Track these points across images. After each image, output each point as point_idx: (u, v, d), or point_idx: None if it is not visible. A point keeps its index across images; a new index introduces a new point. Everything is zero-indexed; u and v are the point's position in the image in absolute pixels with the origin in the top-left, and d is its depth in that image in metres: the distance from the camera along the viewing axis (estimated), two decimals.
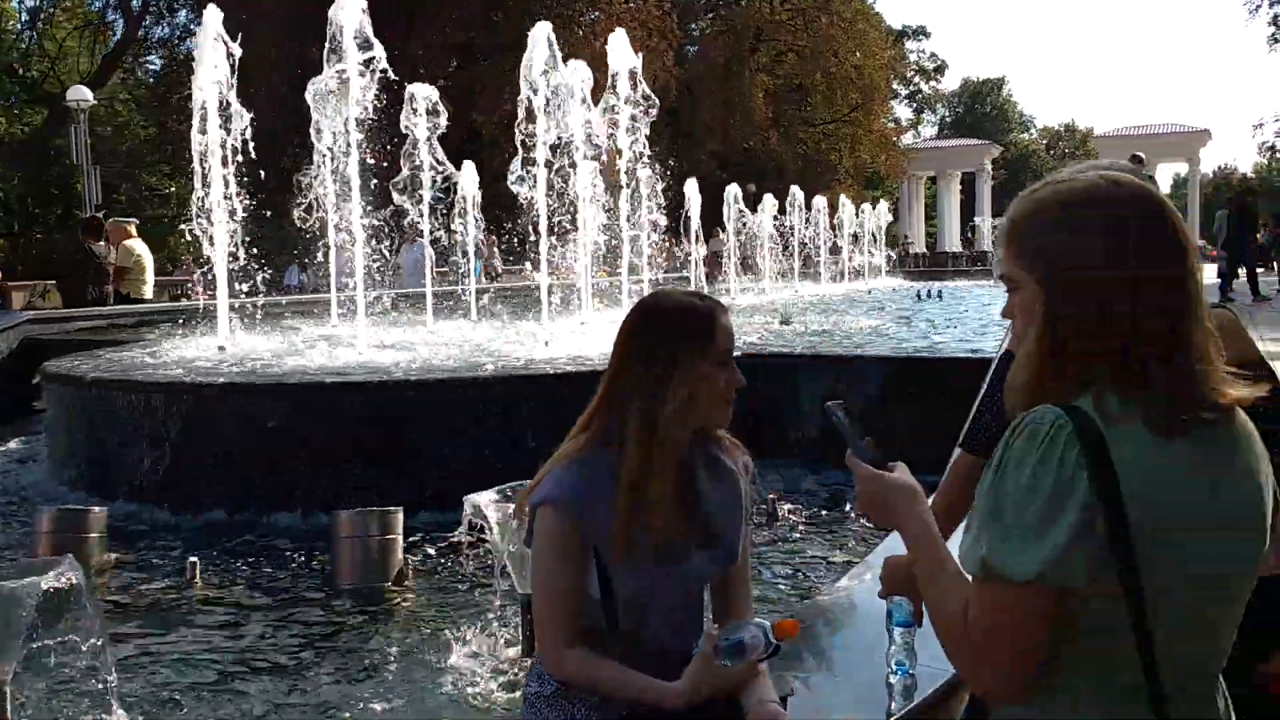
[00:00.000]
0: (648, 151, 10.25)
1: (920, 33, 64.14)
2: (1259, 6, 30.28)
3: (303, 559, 5.09)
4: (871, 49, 45.77)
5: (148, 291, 11.70)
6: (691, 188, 17.40)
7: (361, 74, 7.30)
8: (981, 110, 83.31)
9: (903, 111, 68.18)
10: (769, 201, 19.44)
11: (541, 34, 8.73)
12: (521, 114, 8.41)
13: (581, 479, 1.96)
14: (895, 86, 62.96)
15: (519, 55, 9.14)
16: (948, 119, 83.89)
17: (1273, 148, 31.61)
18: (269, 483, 5.61)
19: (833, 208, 24.31)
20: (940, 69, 65.53)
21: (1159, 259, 1.33)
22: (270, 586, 4.81)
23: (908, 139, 62.96)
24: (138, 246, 11.66)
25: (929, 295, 16.22)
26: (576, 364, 6.52)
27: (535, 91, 8.31)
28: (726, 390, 1.99)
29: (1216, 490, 1.32)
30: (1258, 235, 17.70)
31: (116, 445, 6.10)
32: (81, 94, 19.62)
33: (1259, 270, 17.39)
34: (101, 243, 11.68)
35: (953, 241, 52.24)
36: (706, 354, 1.95)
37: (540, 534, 1.98)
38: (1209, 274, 22.96)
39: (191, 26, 30.49)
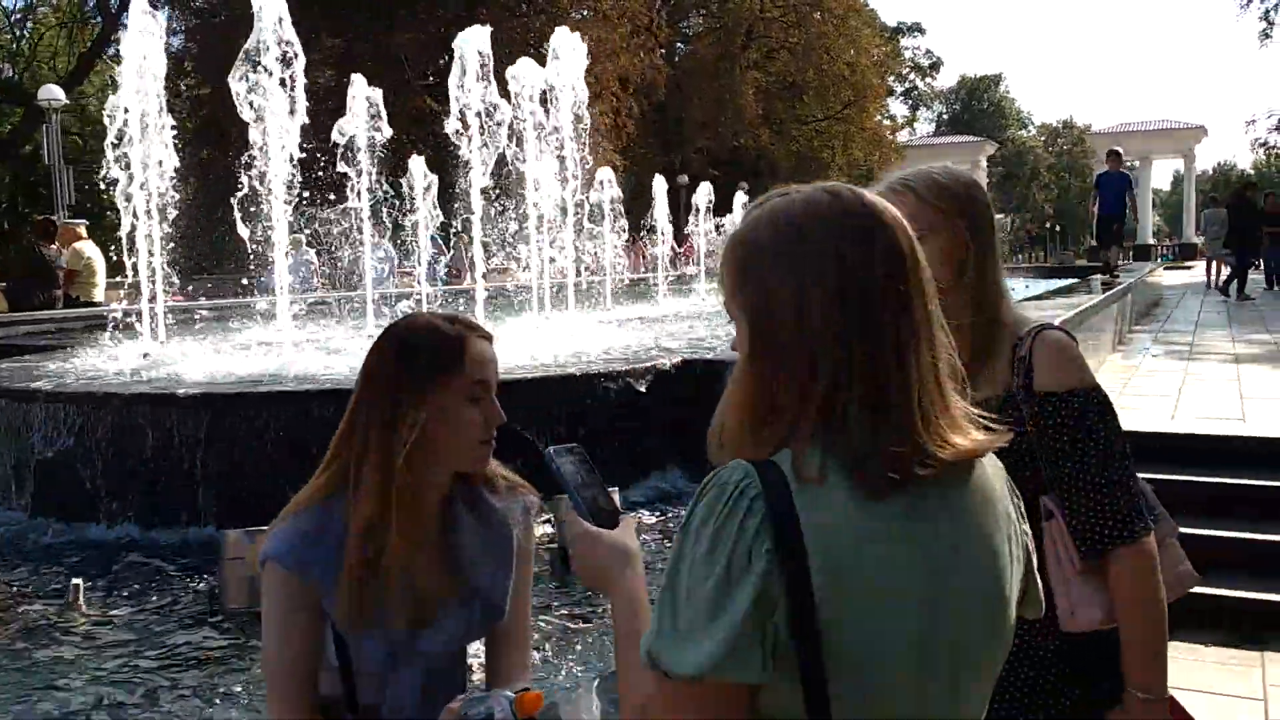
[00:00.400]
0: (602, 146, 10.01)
1: (915, 29, 63.97)
2: (1249, 1, 30.05)
3: (190, 580, 4.87)
4: (864, 46, 45.67)
5: (98, 295, 11.42)
6: (659, 186, 17.07)
7: (285, 70, 7.03)
8: (979, 107, 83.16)
9: (898, 108, 68.07)
10: (739, 200, 19.21)
11: (471, 45, 8.44)
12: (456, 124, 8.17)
13: (313, 529, 1.72)
14: (891, 83, 63.05)
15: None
16: (945, 116, 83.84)
17: (1265, 144, 31.13)
18: (162, 498, 5.38)
19: None
20: (935, 66, 65.33)
21: (875, 285, 1.10)
22: (155, 609, 4.59)
23: (903, 136, 63.02)
24: (88, 249, 11.40)
25: None
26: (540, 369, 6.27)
27: (465, 110, 8.06)
28: (484, 428, 1.75)
29: (935, 560, 1.08)
30: (1261, 231, 17.30)
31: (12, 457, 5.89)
32: (52, 93, 19.38)
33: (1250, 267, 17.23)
34: (54, 245, 11.45)
35: None
36: (451, 385, 1.71)
37: (267, 593, 1.74)
38: (1196, 273, 22.76)
39: (174, 25, 30.24)
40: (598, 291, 12.14)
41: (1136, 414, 6.15)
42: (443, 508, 1.80)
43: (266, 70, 6.77)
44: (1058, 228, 75.24)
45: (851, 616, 1.03)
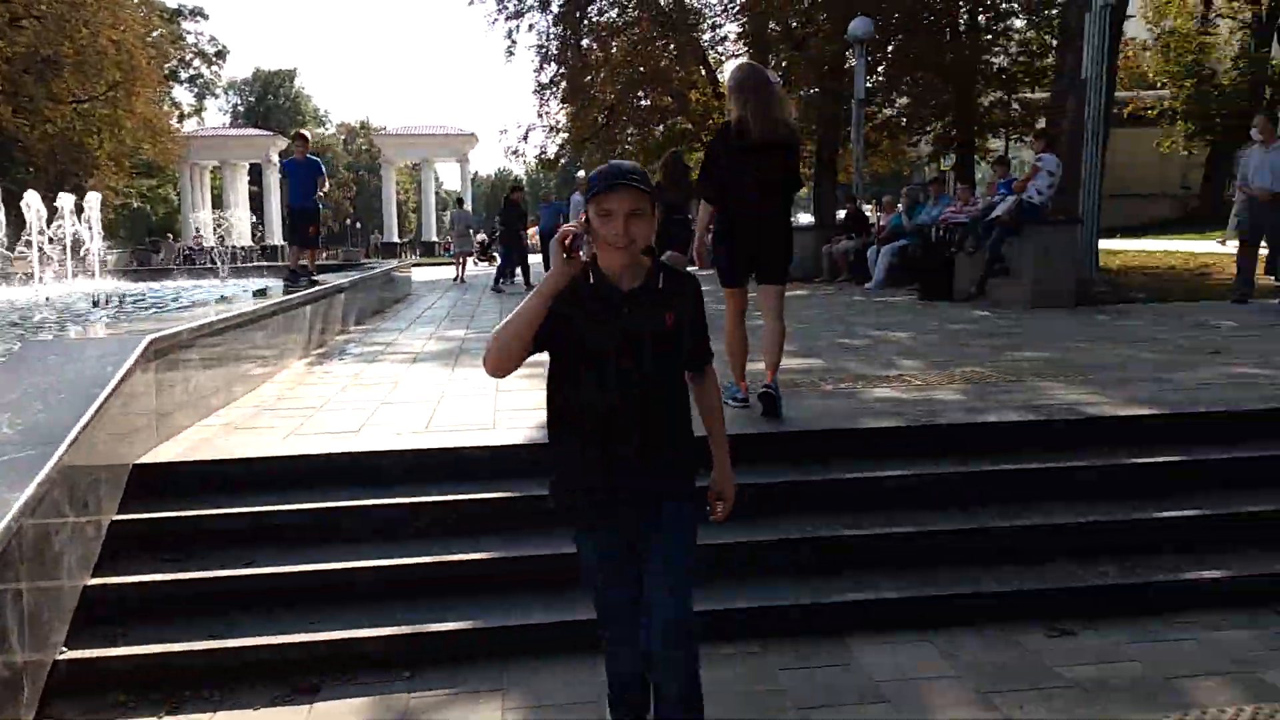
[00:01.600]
0: None
1: (198, 13, 60.46)
2: (495, 20, 33.10)
3: None
4: (131, 23, 41.92)
5: None
6: None
7: None
8: (274, 101, 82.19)
9: (185, 96, 64.15)
10: None
11: None
12: None
13: None
14: (175, 68, 59.32)
15: None
16: (240, 108, 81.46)
17: (516, 151, 34.83)
18: None
19: (51, 197, 20.64)
20: (221, 54, 62.41)
21: None
22: None
23: (190, 125, 59.63)
24: None
25: (107, 302, 14.30)
26: None
27: None
28: None
29: None
30: (526, 229, 20.66)
31: None
32: None
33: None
34: None
35: (243, 235, 50.29)
36: None
37: None
38: (479, 269, 24.47)
39: None
40: None
41: (260, 435, 5.60)
42: None
43: None
44: (358, 224, 77.73)
45: None
